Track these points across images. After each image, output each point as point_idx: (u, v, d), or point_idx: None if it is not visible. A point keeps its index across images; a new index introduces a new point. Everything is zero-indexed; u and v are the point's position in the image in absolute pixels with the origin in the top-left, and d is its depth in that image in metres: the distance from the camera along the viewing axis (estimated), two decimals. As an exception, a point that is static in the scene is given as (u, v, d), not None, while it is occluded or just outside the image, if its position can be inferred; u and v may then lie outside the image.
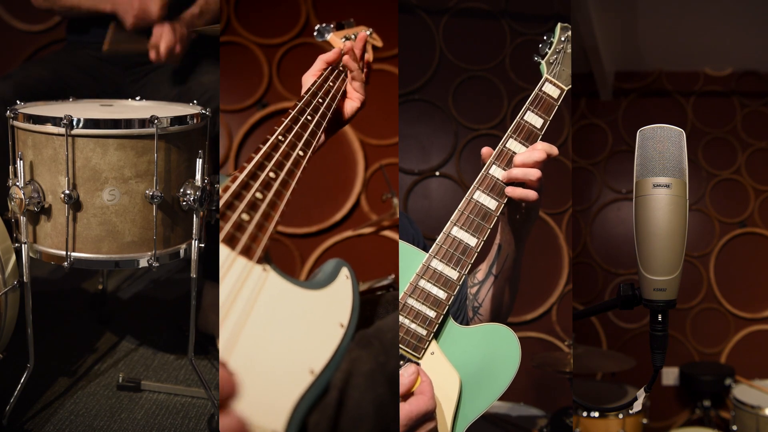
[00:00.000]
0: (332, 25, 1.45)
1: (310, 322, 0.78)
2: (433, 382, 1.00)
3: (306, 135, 1.01)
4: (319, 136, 1.06)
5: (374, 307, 1.06)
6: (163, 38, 1.83)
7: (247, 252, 0.76)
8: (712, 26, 3.12)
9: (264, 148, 0.91)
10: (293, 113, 1.04)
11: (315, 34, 1.44)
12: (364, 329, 0.84)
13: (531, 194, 1.09)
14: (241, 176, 0.83)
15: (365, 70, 1.32)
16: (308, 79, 1.26)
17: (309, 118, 1.06)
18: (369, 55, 1.50)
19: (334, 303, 0.83)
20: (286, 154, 0.94)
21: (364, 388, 0.75)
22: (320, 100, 1.14)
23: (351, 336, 0.80)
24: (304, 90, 1.20)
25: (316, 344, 0.76)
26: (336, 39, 1.40)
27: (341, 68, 1.29)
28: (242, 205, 0.79)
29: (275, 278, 0.78)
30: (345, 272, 0.88)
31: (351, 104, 1.28)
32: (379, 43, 1.60)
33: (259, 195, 0.83)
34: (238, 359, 0.67)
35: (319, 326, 0.79)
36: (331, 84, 1.21)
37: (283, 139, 0.96)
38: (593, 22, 2.87)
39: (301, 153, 0.97)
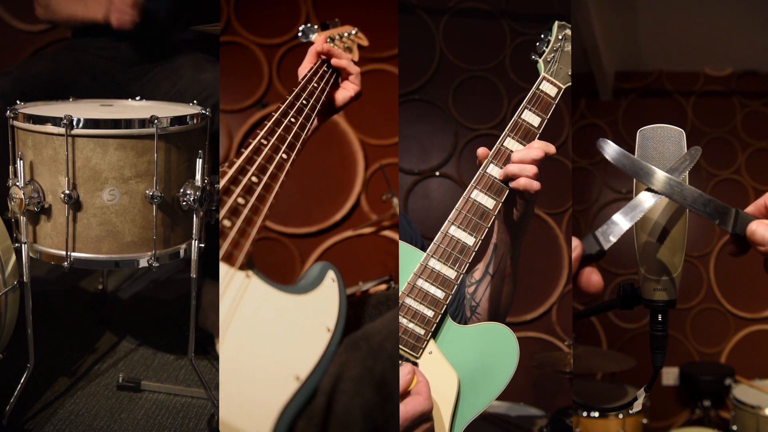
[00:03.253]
0: (317, 26, 1.45)
1: (295, 327, 0.77)
2: (431, 382, 1.00)
3: (289, 138, 1.00)
4: (305, 140, 1.05)
5: (361, 309, 1.05)
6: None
7: (228, 259, 0.75)
8: (712, 26, 3.12)
9: (246, 153, 0.90)
10: (276, 116, 1.03)
11: (299, 35, 1.43)
12: (352, 332, 0.83)
13: (534, 184, 1.09)
14: (222, 182, 0.82)
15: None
16: (302, 71, 1.29)
17: (293, 120, 1.05)
18: (355, 56, 1.50)
19: (320, 307, 0.82)
20: (269, 157, 0.92)
21: (352, 393, 0.74)
22: (304, 102, 1.13)
23: (338, 340, 0.79)
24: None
25: (302, 349, 0.75)
26: (321, 40, 1.40)
27: (327, 66, 1.29)
28: (223, 211, 0.78)
29: (258, 284, 0.77)
30: (331, 275, 0.87)
31: (344, 93, 1.30)
32: (364, 42, 1.59)
33: (240, 200, 0.81)
34: (221, 365, 0.67)
35: (305, 331, 0.78)
36: (315, 85, 1.20)
37: (266, 143, 0.94)
38: (593, 22, 2.87)
39: (284, 156, 0.95)
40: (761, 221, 0.71)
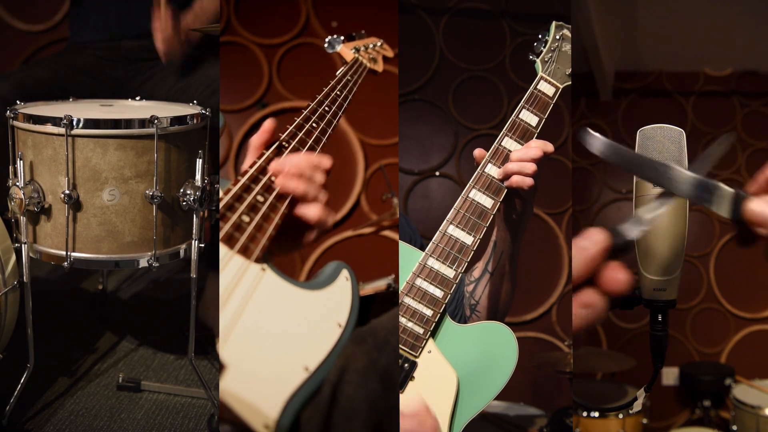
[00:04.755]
0: (342, 37, 1.45)
1: (307, 321, 0.80)
2: (430, 381, 1.01)
3: (310, 141, 1.03)
4: (324, 144, 1.07)
5: (371, 306, 1.06)
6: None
7: (245, 251, 0.78)
8: (712, 26, 3.12)
9: (267, 153, 0.93)
10: (298, 120, 1.06)
11: (326, 45, 1.44)
12: (359, 327, 0.86)
13: (527, 180, 1.10)
14: (243, 179, 0.85)
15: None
16: (255, 142, 0.97)
17: (314, 125, 1.08)
18: (379, 66, 1.51)
19: (332, 303, 0.84)
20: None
21: (356, 383, 0.76)
22: (326, 108, 1.15)
23: (349, 336, 0.82)
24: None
25: (313, 342, 0.77)
26: (346, 50, 1.40)
27: (354, 70, 1.28)
28: (242, 207, 0.81)
29: (273, 277, 0.80)
30: (345, 274, 0.89)
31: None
32: (389, 54, 1.60)
33: (260, 198, 0.85)
34: (230, 353, 0.69)
35: (316, 325, 0.80)
36: (338, 93, 1.22)
37: (286, 145, 0.98)
38: (593, 22, 2.87)
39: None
40: (760, 198, 0.60)
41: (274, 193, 0.87)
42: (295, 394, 0.71)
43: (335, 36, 1.45)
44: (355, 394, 0.75)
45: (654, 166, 0.66)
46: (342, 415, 0.74)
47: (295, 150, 0.98)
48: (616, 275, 0.60)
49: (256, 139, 0.97)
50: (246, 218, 0.81)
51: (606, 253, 0.61)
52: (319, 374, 0.74)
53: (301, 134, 1.03)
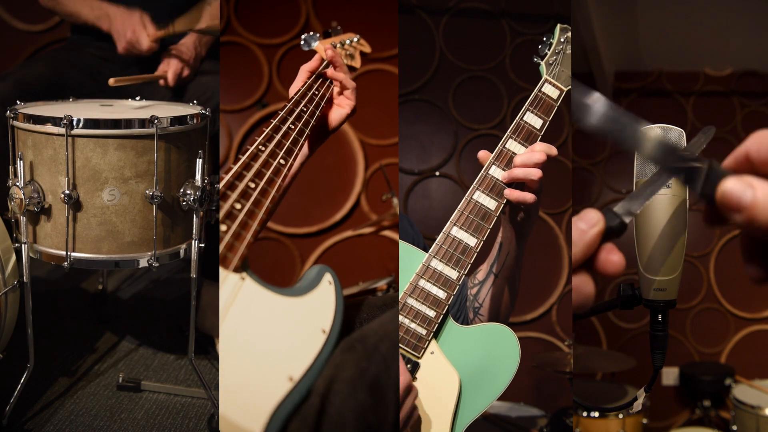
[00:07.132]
0: (318, 34, 1.45)
1: (290, 329, 0.78)
2: (432, 382, 1.00)
3: (288, 143, 1.00)
4: (302, 144, 1.05)
5: (356, 312, 1.05)
6: (170, 67, 1.87)
7: (222, 261, 0.76)
8: (712, 26, 3.12)
9: (243, 158, 0.90)
10: (275, 122, 1.04)
11: (301, 43, 1.43)
12: (349, 334, 0.84)
13: (529, 197, 1.10)
14: (218, 187, 0.83)
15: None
16: (293, 90, 1.25)
17: (291, 126, 1.05)
18: (357, 62, 1.50)
19: (316, 309, 0.82)
20: (266, 163, 0.93)
21: (345, 394, 0.74)
22: (303, 108, 1.13)
23: (334, 342, 0.80)
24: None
25: (296, 351, 0.76)
26: (322, 48, 1.40)
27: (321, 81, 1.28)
28: (220, 216, 0.79)
29: (253, 286, 0.78)
30: (328, 278, 0.87)
31: (339, 111, 1.26)
32: (367, 49, 1.60)
33: (237, 205, 0.82)
34: (221, 365, 0.68)
35: (300, 333, 0.78)
36: (315, 92, 1.20)
37: (263, 149, 0.95)
38: (593, 22, 2.87)
39: (282, 162, 0.96)
40: (739, 177, 0.51)
41: (252, 199, 0.84)
42: (280, 406, 0.69)
43: (311, 33, 1.44)
44: (344, 405, 0.73)
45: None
46: (330, 427, 0.72)
47: (272, 153, 0.96)
48: (611, 257, 0.59)
49: (306, 65, 1.26)
50: (222, 227, 0.78)
51: (602, 234, 0.59)
52: (304, 383, 0.72)
53: (278, 137, 1.00)
